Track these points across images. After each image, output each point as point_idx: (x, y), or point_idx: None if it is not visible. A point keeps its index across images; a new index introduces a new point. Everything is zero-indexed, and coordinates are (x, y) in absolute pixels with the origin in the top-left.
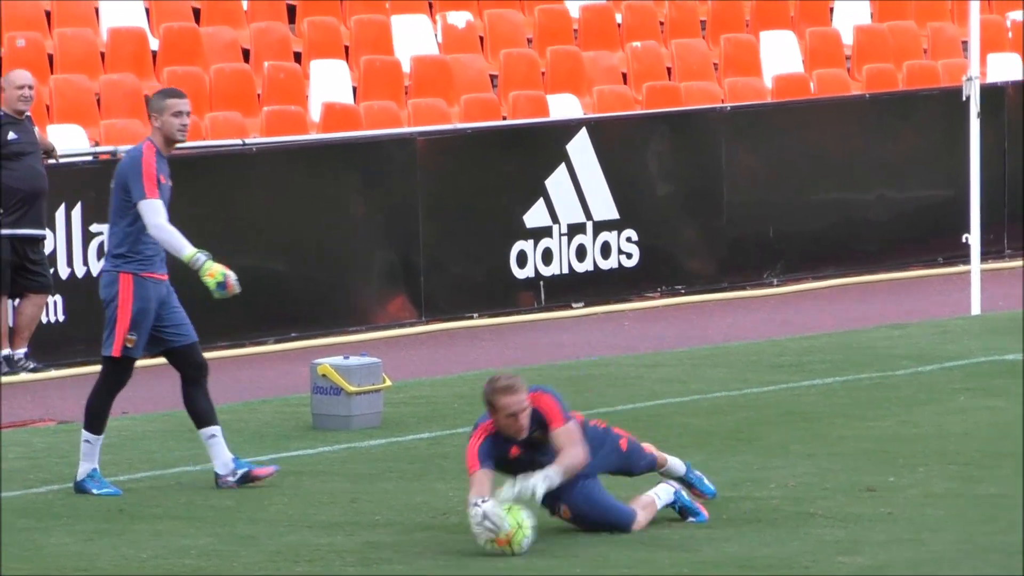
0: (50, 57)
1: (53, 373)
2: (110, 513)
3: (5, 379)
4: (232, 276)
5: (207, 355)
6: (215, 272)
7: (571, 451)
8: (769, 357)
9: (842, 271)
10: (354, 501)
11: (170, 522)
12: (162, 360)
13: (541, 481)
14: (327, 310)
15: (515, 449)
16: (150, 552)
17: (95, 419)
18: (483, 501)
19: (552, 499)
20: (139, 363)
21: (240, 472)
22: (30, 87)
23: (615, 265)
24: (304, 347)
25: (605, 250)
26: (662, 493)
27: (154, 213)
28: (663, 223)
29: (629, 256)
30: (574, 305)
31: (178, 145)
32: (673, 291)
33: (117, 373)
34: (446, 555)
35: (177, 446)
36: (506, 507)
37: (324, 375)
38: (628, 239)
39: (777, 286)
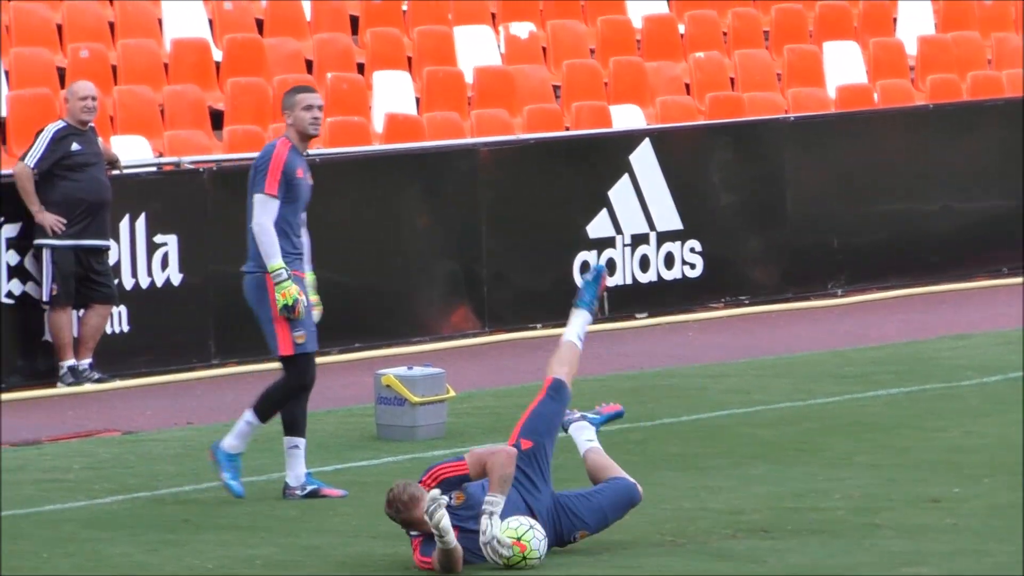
0: (114, 68)
1: (118, 384)
2: (174, 523)
3: (70, 389)
4: (302, 303)
5: (271, 365)
6: (288, 293)
7: (492, 462)
8: (833, 368)
9: (906, 282)
10: None
11: (235, 532)
12: (229, 370)
13: (488, 519)
14: (391, 321)
15: (456, 530)
16: (215, 563)
17: (268, 410)
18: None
19: (560, 535)
20: (203, 374)
21: (309, 488)
22: (93, 98)
23: (679, 275)
24: (368, 357)
25: (669, 260)
26: (589, 434)
27: (263, 210)
28: (727, 233)
29: (693, 266)
30: (638, 316)
31: (246, 155)
32: (737, 301)
33: (298, 373)
34: (509, 566)
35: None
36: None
37: (388, 385)
38: (692, 249)
39: (841, 297)
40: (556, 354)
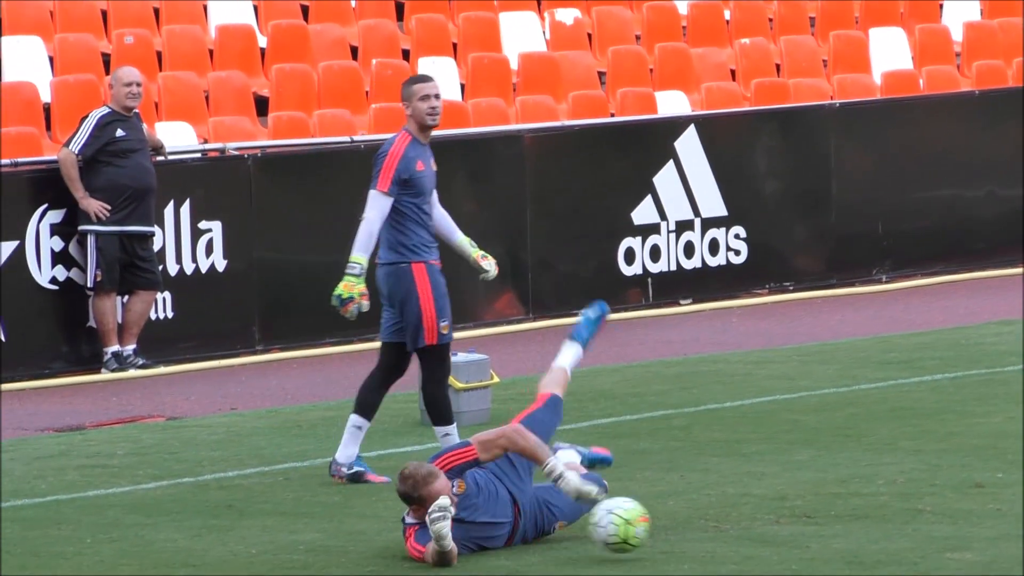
0: (159, 54)
1: (162, 370)
2: (218, 509)
3: (114, 375)
4: (357, 306)
5: (315, 352)
6: (351, 287)
7: (508, 441)
8: (878, 354)
9: (951, 268)
10: None
11: (279, 518)
12: (273, 356)
13: (562, 481)
14: None
15: (451, 522)
16: (259, 548)
17: (443, 413)
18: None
19: (540, 528)
20: (247, 360)
21: (355, 469)
22: (138, 84)
23: (723, 262)
24: None
25: (713, 247)
26: (571, 457)
27: (372, 206)
28: (771, 220)
29: (737, 253)
30: (682, 302)
31: (302, 140)
32: (781, 288)
33: (440, 361)
34: (555, 556)
35: (286, 442)
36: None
37: None
38: (736, 236)
39: (886, 283)
40: (549, 375)
